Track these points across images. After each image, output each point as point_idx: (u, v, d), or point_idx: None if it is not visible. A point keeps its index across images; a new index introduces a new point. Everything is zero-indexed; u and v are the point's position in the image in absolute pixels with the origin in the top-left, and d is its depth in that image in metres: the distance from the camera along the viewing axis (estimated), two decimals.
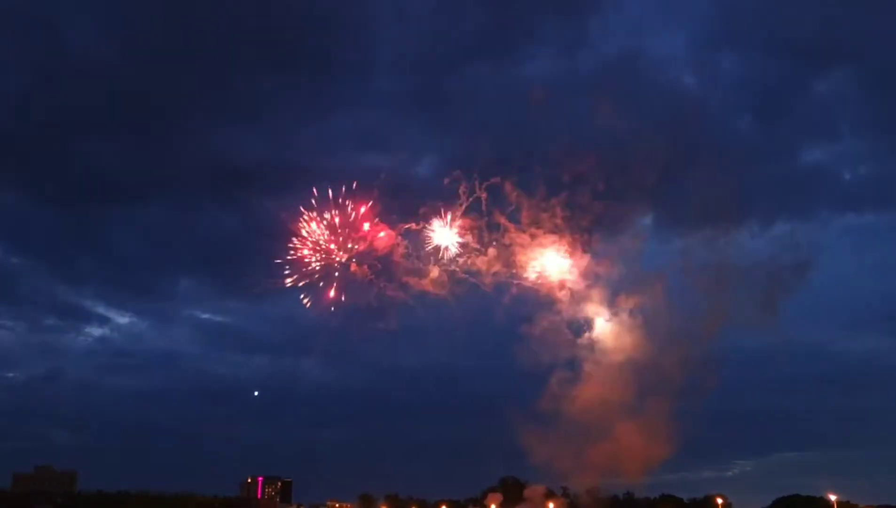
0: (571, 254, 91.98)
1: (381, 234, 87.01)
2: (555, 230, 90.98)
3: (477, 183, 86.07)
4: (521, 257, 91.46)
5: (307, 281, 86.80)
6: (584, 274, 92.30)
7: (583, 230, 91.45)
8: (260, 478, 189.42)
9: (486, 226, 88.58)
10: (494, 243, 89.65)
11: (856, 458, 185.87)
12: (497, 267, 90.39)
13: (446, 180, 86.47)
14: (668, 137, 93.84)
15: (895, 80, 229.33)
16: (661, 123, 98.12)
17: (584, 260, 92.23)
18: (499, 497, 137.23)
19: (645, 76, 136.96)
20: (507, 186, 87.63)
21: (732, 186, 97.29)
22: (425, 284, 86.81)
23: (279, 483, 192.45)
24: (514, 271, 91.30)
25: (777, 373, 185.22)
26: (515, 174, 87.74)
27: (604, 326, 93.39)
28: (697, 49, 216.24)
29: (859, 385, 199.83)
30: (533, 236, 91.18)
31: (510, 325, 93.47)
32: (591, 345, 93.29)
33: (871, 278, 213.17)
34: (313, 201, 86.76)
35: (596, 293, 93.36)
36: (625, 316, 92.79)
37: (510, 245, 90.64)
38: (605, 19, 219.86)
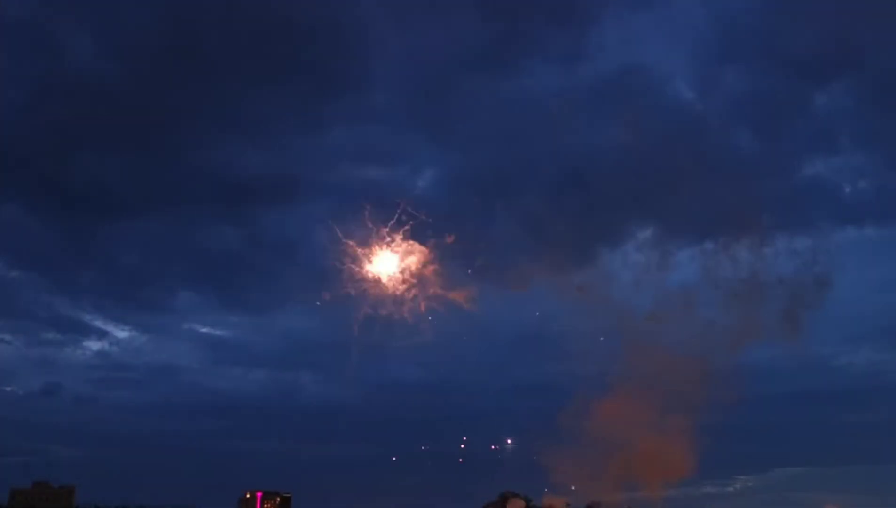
0: (589, 269, 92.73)
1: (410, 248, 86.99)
2: (569, 246, 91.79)
3: (488, 198, 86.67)
4: (536, 273, 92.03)
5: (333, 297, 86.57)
6: (605, 290, 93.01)
7: (595, 246, 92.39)
8: (259, 493, 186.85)
9: (500, 242, 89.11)
10: (507, 260, 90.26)
11: (858, 473, 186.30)
12: (511, 283, 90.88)
13: (458, 198, 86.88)
14: (669, 151, 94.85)
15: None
16: (661, 137, 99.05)
17: (604, 276, 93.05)
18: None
19: (645, 90, 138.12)
20: (517, 201, 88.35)
21: (736, 200, 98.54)
22: (455, 297, 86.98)
23: (278, 499, 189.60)
24: (529, 286, 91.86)
25: (778, 388, 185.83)
26: (520, 188, 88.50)
27: (626, 340, 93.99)
28: (697, 63, 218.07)
29: (861, 400, 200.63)
30: (547, 252, 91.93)
31: (527, 340, 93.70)
32: (614, 360, 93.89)
33: (872, 292, 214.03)
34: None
35: (616, 308, 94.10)
36: (647, 330, 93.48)
37: (524, 261, 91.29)
38: (606, 33, 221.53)
